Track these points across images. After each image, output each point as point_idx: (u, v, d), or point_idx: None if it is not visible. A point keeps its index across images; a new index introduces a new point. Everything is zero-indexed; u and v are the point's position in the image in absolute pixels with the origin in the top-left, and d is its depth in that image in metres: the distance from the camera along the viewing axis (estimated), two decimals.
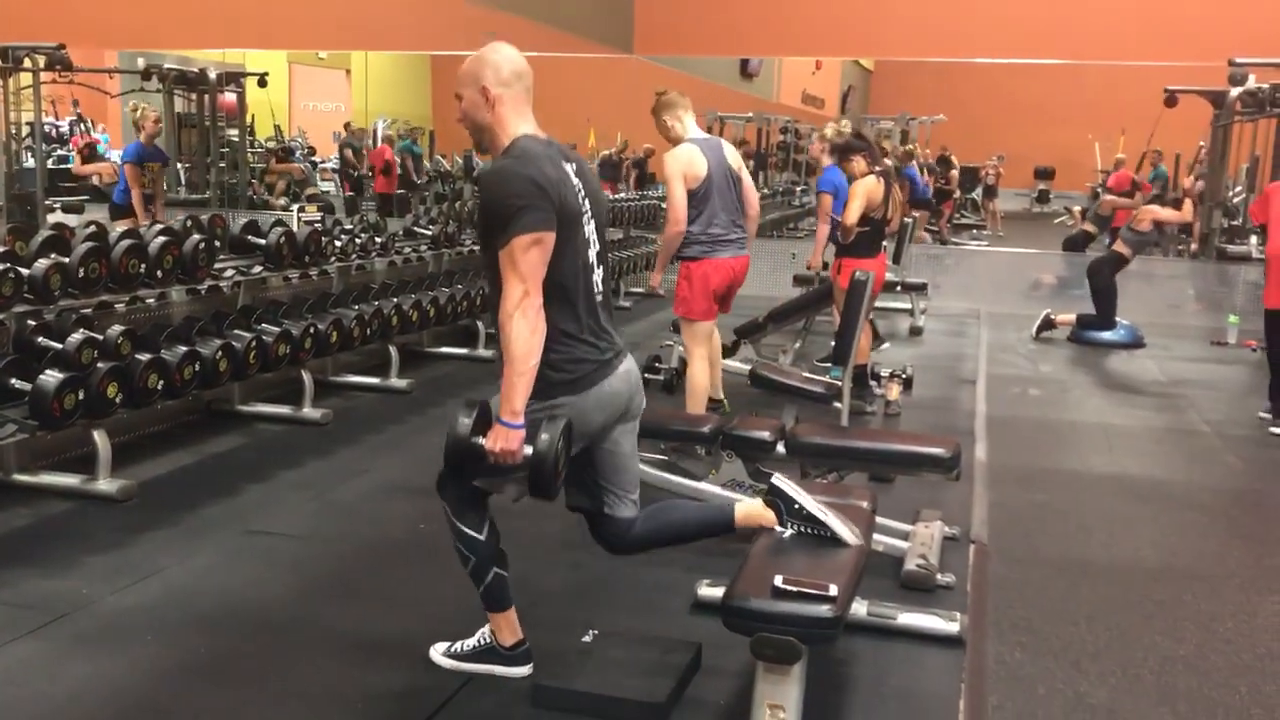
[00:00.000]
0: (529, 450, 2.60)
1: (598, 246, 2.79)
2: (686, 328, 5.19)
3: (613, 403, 2.79)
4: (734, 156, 5.20)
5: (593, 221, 2.77)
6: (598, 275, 2.79)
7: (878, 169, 6.15)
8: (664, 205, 12.09)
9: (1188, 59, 10.90)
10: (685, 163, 4.97)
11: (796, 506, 2.83)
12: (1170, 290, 10.76)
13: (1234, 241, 11.43)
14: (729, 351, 6.58)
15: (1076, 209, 11.18)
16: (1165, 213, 8.59)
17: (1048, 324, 8.83)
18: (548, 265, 2.61)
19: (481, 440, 2.63)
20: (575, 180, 2.73)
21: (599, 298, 2.79)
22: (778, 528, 2.85)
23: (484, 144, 2.80)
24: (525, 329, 2.55)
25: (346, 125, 15.68)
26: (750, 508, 2.92)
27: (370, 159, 13.90)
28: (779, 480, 2.89)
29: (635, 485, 2.94)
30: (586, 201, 2.75)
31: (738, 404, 5.63)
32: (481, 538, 2.80)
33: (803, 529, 2.83)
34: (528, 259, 2.56)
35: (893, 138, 18.35)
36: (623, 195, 13.26)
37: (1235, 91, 10.39)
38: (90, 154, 12.62)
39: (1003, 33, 11.66)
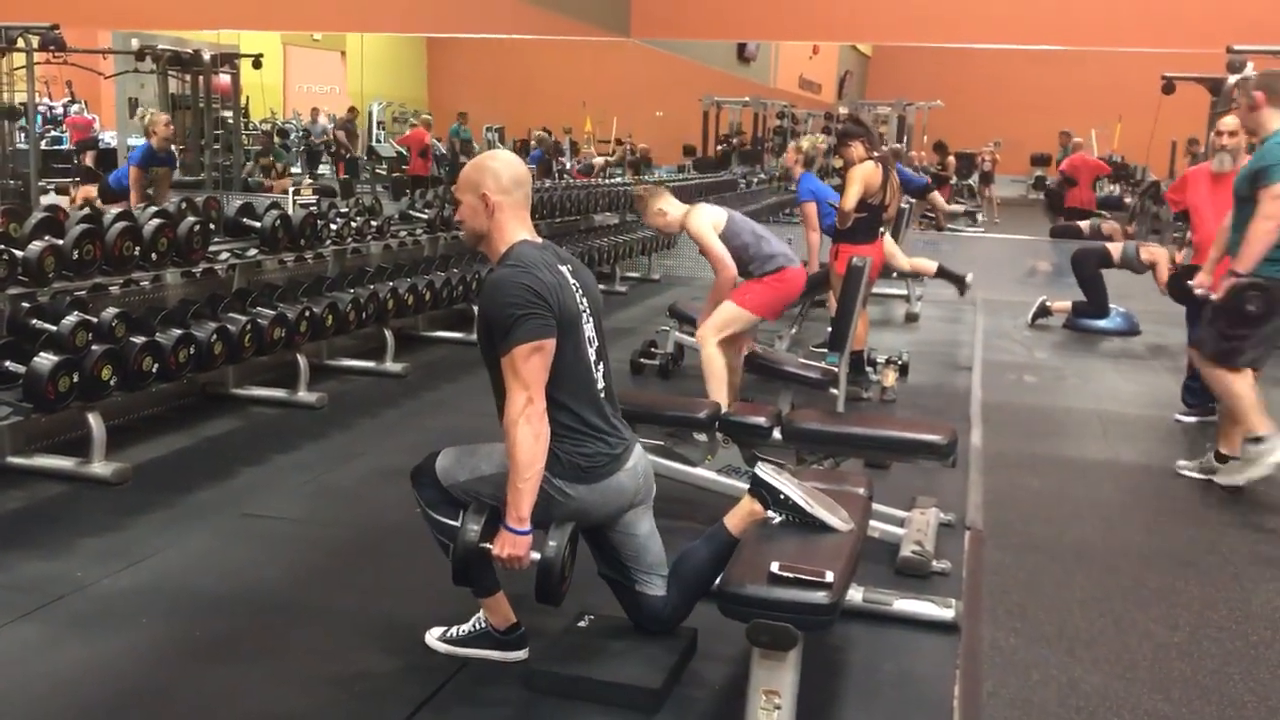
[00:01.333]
0: (536, 556, 2.68)
1: (597, 343, 2.85)
2: (730, 317, 5.01)
3: (619, 498, 2.85)
4: None
5: (591, 320, 2.84)
6: (600, 372, 2.85)
7: (875, 155, 6.14)
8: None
9: (1186, 46, 10.88)
10: (708, 216, 5.02)
11: (781, 497, 2.84)
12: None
13: None
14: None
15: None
16: (1161, 270, 8.42)
17: (1043, 311, 8.83)
18: (551, 369, 2.67)
19: (489, 546, 2.69)
20: (572, 280, 2.80)
21: (602, 394, 2.85)
22: (768, 512, 2.86)
23: (481, 248, 2.86)
24: (529, 435, 2.61)
25: (350, 109, 15.61)
26: (740, 514, 2.95)
27: (408, 141, 13.85)
28: (761, 471, 2.90)
29: (662, 565, 2.96)
30: (584, 300, 2.82)
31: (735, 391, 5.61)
32: (459, 525, 2.81)
33: (790, 518, 2.83)
34: (529, 367, 2.62)
35: (890, 123, 18.33)
36: (619, 180, 13.25)
37: (1233, 79, 10.36)
38: (93, 148, 12.60)
39: (1001, 19, 11.63)
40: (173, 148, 8.78)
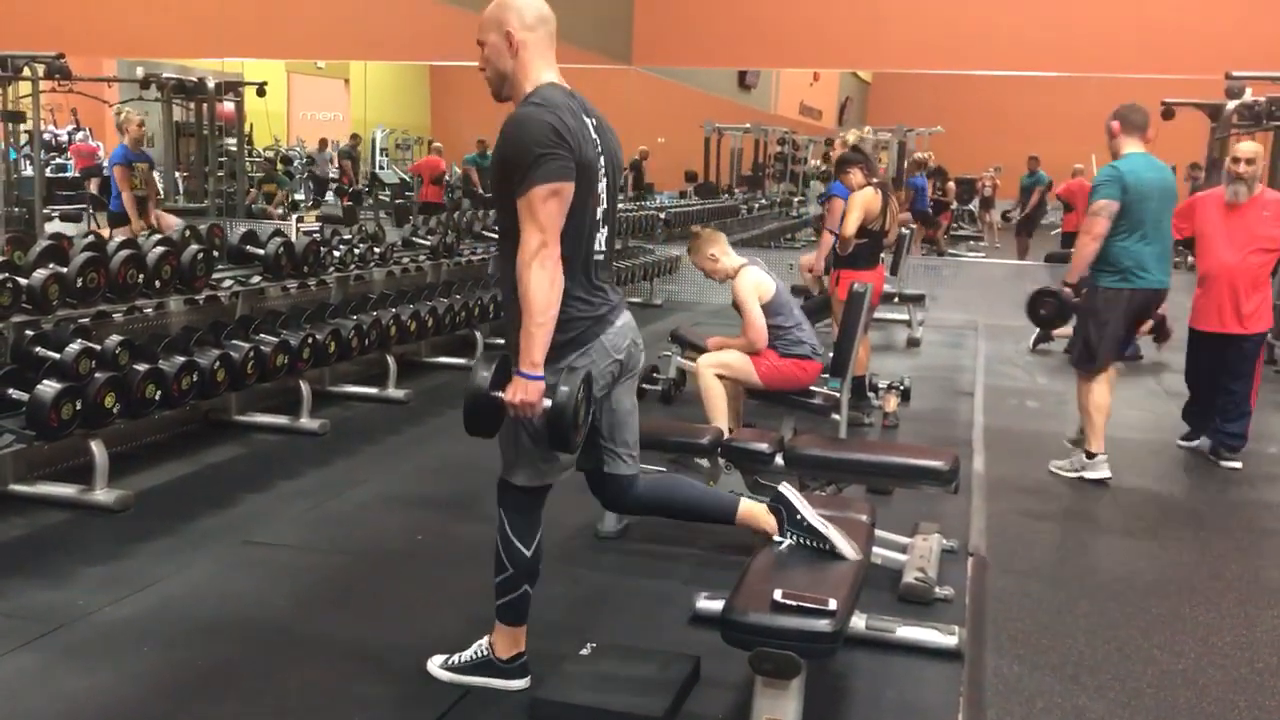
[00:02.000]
0: (548, 403, 2.58)
1: (606, 205, 2.76)
2: (737, 368, 4.96)
3: (609, 356, 2.77)
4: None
5: (606, 179, 2.74)
6: (602, 234, 2.76)
7: (875, 181, 6.17)
8: (662, 216, 12.10)
9: (1185, 72, 10.92)
10: (756, 280, 4.98)
11: (799, 517, 2.83)
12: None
13: None
14: None
15: None
16: None
17: (1045, 336, 8.83)
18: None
19: (501, 394, 2.61)
20: (594, 135, 2.70)
21: (599, 256, 2.76)
22: (776, 536, 2.85)
23: (505, 91, 2.75)
24: (544, 279, 2.53)
25: (353, 137, 15.68)
26: (753, 508, 2.92)
27: (421, 168, 13.90)
28: (785, 489, 2.89)
29: (635, 443, 2.93)
30: (603, 158, 2.72)
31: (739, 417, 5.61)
32: (528, 554, 2.81)
33: (802, 540, 2.83)
34: (546, 209, 2.54)
35: (890, 149, 18.37)
36: (619, 204, 13.29)
37: (1232, 104, 10.41)
38: (97, 175, 12.67)
39: (1000, 46, 11.68)
40: (145, 148, 8.82)
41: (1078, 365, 5.33)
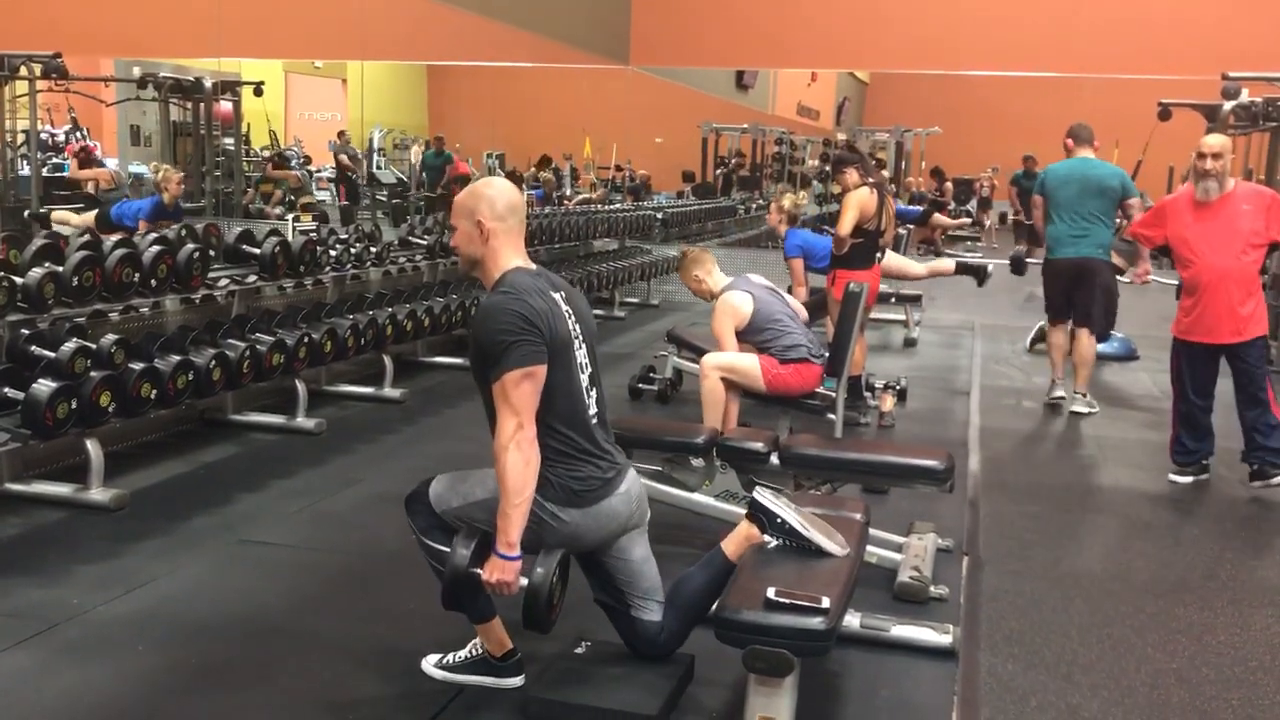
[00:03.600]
0: (524, 582, 2.68)
1: (590, 369, 2.86)
2: (744, 371, 4.99)
3: (611, 522, 2.86)
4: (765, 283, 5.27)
5: (584, 345, 2.85)
6: (593, 398, 2.86)
7: (870, 180, 6.18)
8: (659, 217, 12.11)
9: (1181, 73, 10.94)
10: (734, 306, 5.01)
11: (779, 521, 2.86)
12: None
13: None
14: None
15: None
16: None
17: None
18: (543, 394, 2.68)
19: (479, 572, 2.69)
20: (565, 307, 2.81)
21: (594, 420, 2.85)
22: (765, 537, 2.87)
23: (475, 273, 2.89)
24: (520, 461, 2.62)
25: (340, 134, 15.69)
26: (737, 539, 2.96)
27: (452, 172, 13.93)
28: (760, 495, 2.92)
29: (657, 590, 2.96)
30: (577, 326, 2.83)
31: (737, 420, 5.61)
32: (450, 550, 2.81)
33: (787, 542, 2.84)
34: (520, 393, 2.64)
35: (888, 149, 18.40)
36: (619, 205, 13.30)
37: (1228, 105, 10.43)
38: (86, 158, 12.60)
39: (997, 46, 11.71)
40: (181, 202, 8.69)
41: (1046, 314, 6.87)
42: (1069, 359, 6.72)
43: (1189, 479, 5.15)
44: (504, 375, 2.63)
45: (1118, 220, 6.80)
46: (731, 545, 2.95)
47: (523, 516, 2.64)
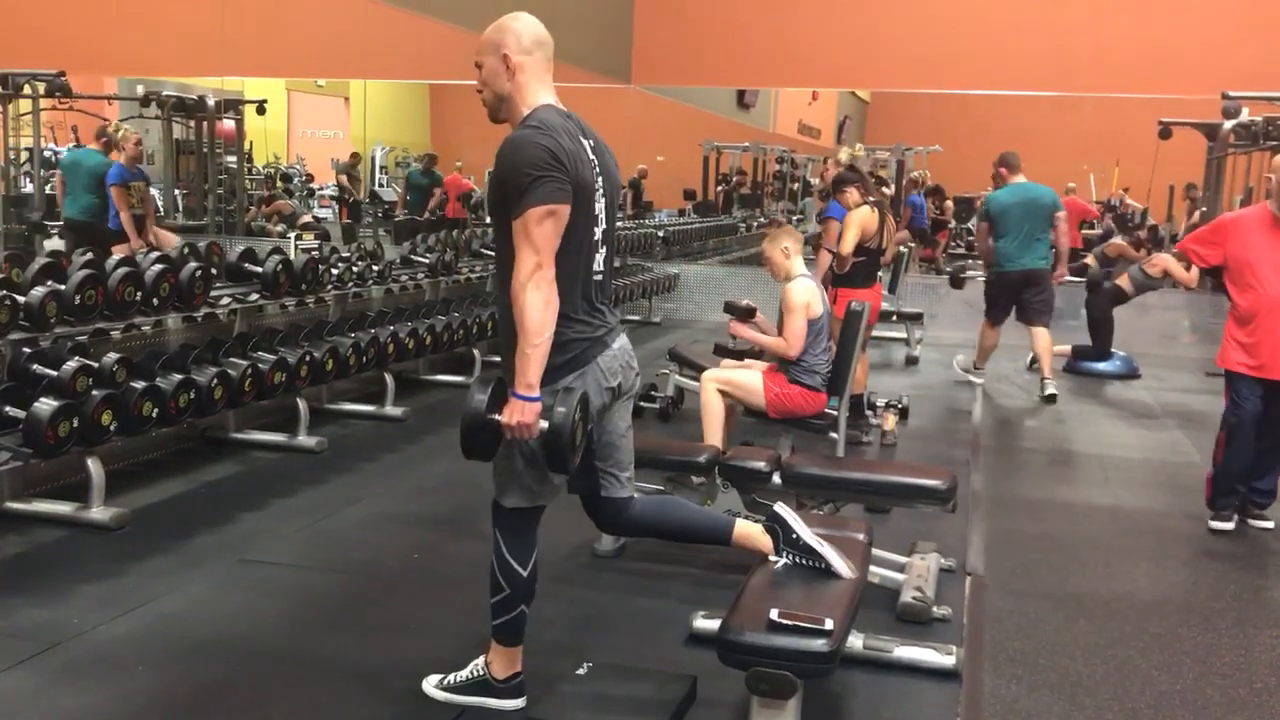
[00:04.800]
0: (544, 425, 2.59)
1: (605, 225, 2.77)
2: (745, 388, 4.98)
3: (606, 378, 2.77)
4: None
5: (604, 199, 2.75)
6: (601, 254, 2.77)
7: (871, 199, 6.19)
8: (660, 234, 12.10)
9: (1181, 92, 10.97)
10: (809, 296, 4.94)
11: (794, 536, 2.83)
12: (1165, 321, 10.78)
13: None
14: None
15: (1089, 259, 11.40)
16: (1177, 270, 8.49)
17: None
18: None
19: (497, 416, 2.61)
20: (591, 156, 2.71)
21: (598, 277, 2.77)
22: (772, 556, 2.85)
23: (503, 114, 2.77)
24: (539, 301, 2.54)
25: (353, 155, 15.74)
26: (749, 528, 2.93)
27: (448, 186, 13.94)
28: (781, 508, 2.89)
29: (630, 464, 2.93)
30: (601, 179, 2.73)
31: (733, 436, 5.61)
32: (524, 574, 2.80)
33: (798, 559, 2.83)
34: (542, 230, 2.55)
35: (889, 168, 18.44)
36: (618, 224, 13.33)
37: (1229, 124, 10.46)
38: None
39: (998, 65, 11.73)
40: (141, 166, 8.67)
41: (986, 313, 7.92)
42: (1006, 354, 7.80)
43: (1230, 525, 4.75)
44: (527, 211, 2.54)
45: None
46: (741, 529, 2.92)
47: (542, 357, 2.56)
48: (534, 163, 2.56)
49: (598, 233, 2.74)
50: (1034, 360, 8.77)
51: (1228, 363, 4.72)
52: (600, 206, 2.74)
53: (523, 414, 2.58)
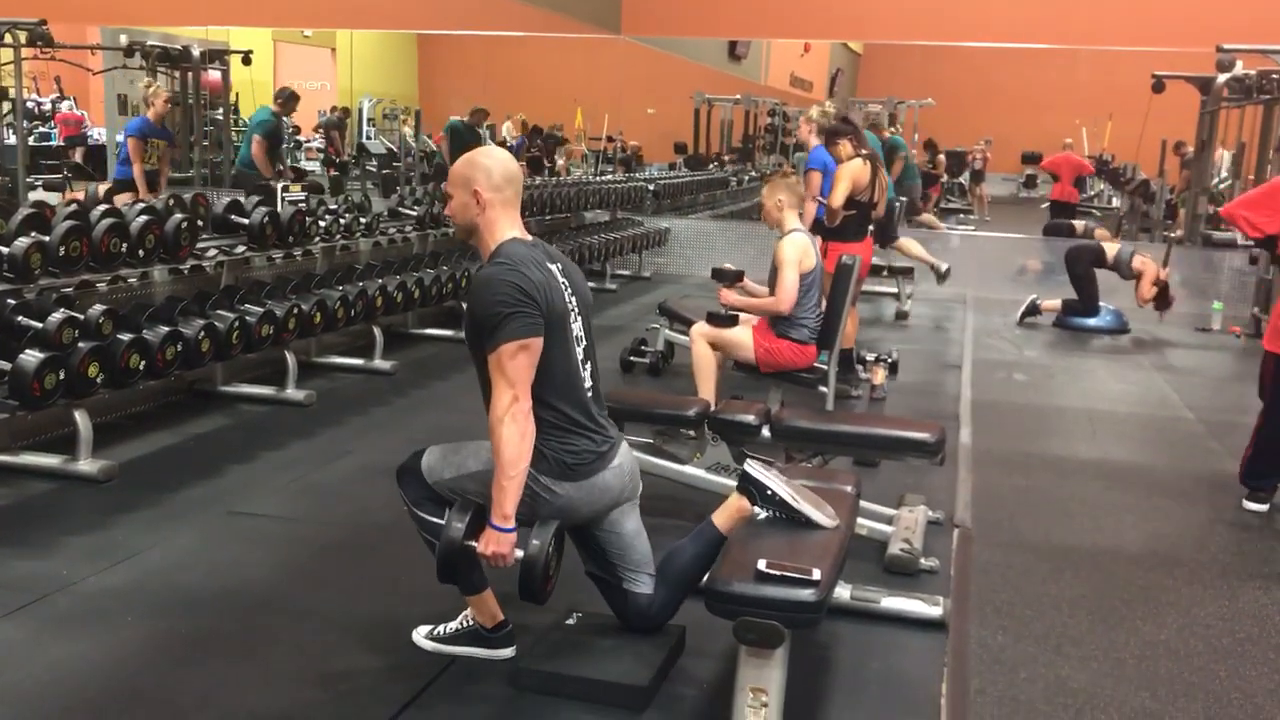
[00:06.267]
0: (520, 554, 2.67)
1: (585, 342, 2.85)
2: (733, 343, 4.99)
3: (604, 496, 2.85)
4: None
5: (580, 318, 2.83)
6: (587, 371, 2.85)
7: (864, 152, 6.14)
8: (651, 188, 12.03)
9: (1176, 45, 10.90)
10: (802, 250, 4.92)
11: (769, 493, 2.85)
12: (1172, 270, 10.77)
13: (1219, 228, 11.45)
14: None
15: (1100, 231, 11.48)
16: (1146, 284, 8.54)
17: (1033, 309, 8.85)
18: (538, 367, 2.66)
19: (474, 544, 2.69)
20: (561, 279, 2.79)
21: (589, 393, 2.84)
22: (755, 508, 2.86)
23: (471, 241, 2.85)
24: (515, 434, 2.61)
25: (334, 108, 15.58)
26: (727, 512, 2.96)
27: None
28: (750, 468, 2.91)
29: (649, 563, 2.96)
30: (573, 299, 2.81)
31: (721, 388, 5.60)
32: (444, 522, 2.80)
33: (776, 514, 2.84)
34: (515, 365, 2.62)
35: (881, 121, 18.34)
36: (610, 176, 13.23)
37: (1222, 78, 10.39)
38: (82, 144, 12.65)
39: (991, 17, 11.63)
40: (166, 125, 8.84)
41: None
42: None
43: (1265, 507, 4.46)
44: (500, 347, 2.62)
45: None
46: (722, 517, 2.95)
47: (518, 489, 2.63)
48: (503, 299, 2.64)
49: (579, 351, 2.82)
50: (1025, 315, 8.81)
51: (1273, 344, 4.36)
52: (577, 327, 2.82)
53: (499, 545, 2.66)
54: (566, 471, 2.77)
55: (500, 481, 2.62)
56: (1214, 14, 10.27)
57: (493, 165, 2.80)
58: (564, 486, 2.77)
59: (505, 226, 2.80)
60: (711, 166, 16.52)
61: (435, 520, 2.80)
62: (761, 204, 5.11)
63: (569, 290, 2.81)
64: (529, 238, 2.84)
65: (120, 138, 12.30)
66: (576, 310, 2.83)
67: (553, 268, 2.80)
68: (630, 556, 2.93)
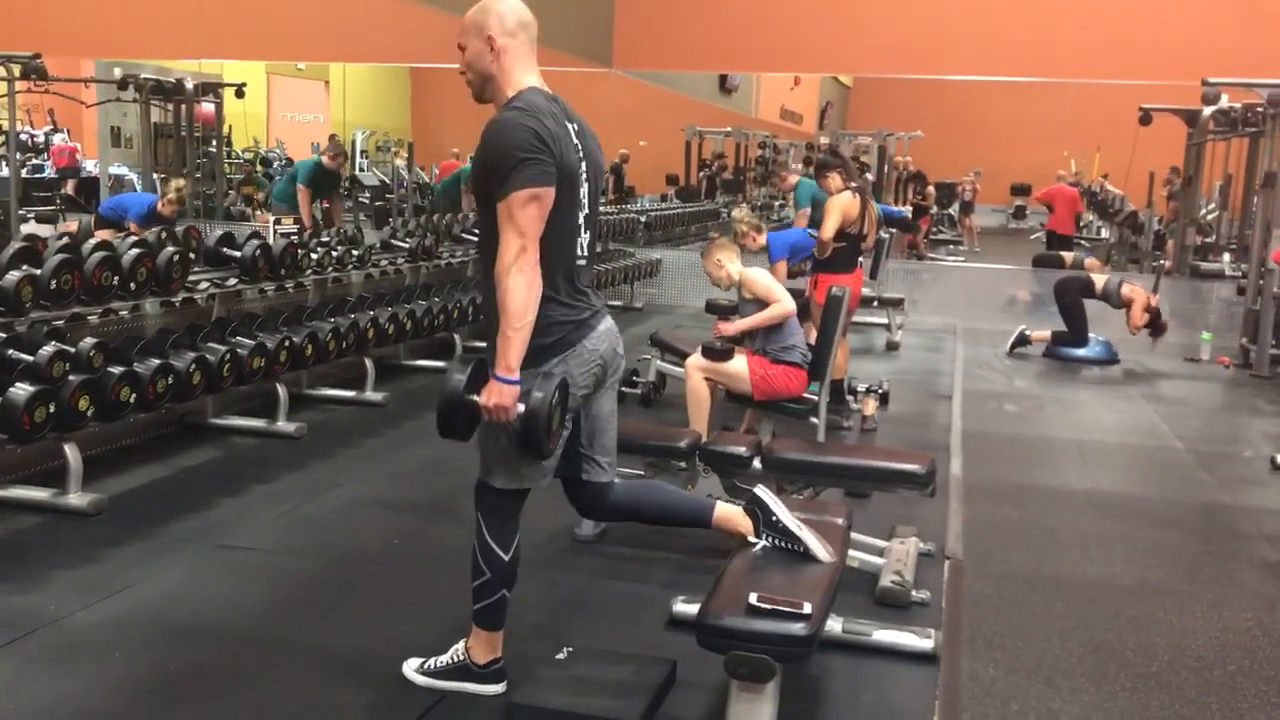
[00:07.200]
0: (522, 408, 2.58)
1: (588, 209, 2.76)
2: (729, 375, 4.98)
3: (590, 361, 2.76)
4: None
5: (588, 183, 2.74)
6: (584, 238, 2.76)
7: (853, 185, 6.19)
8: (643, 220, 12.08)
9: (1162, 78, 11.01)
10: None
11: (774, 519, 2.84)
12: (1161, 298, 10.83)
13: (1207, 259, 11.54)
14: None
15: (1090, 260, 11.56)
16: (1137, 311, 8.61)
17: (1023, 340, 8.89)
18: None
19: (476, 397, 2.61)
20: (576, 140, 2.70)
21: (581, 261, 2.76)
22: (752, 538, 2.86)
23: (487, 95, 2.75)
24: (523, 284, 2.53)
25: (331, 137, 15.66)
26: (729, 511, 2.93)
27: (446, 170, 13.91)
28: (761, 491, 2.90)
29: (613, 449, 2.93)
30: (584, 163, 2.72)
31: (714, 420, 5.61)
32: (506, 558, 2.79)
33: (777, 542, 2.83)
34: (526, 214, 2.54)
35: (871, 153, 18.46)
36: (601, 208, 13.27)
37: (1208, 110, 10.50)
38: (74, 176, 12.72)
39: (979, 51, 11.74)
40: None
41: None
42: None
43: None
44: (511, 194, 2.52)
45: None
46: (721, 511, 2.92)
47: (523, 340, 2.55)
48: (519, 145, 2.54)
49: (580, 216, 2.73)
50: (1015, 345, 8.85)
51: None
52: (584, 191, 2.73)
53: (501, 396, 2.57)
54: (550, 349, 2.67)
55: (505, 332, 2.54)
56: (1199, 47, 10.39)
57: (506, 10, 2.69)
58: (551, 364, 2.68)
59: (523, 73, 2.69)
60: (701, 174, 16.70)
61: (499, 553, 2.78)
62: (708, 275, 5.22)
63: (581, 153, 2.70)
64: (548, 90, 2.72)
65: (114, 169, 12.39)
66: (586, 174, 2.72)
67: (570, 125, 2.69)
68: (598, 441, 2.88)
